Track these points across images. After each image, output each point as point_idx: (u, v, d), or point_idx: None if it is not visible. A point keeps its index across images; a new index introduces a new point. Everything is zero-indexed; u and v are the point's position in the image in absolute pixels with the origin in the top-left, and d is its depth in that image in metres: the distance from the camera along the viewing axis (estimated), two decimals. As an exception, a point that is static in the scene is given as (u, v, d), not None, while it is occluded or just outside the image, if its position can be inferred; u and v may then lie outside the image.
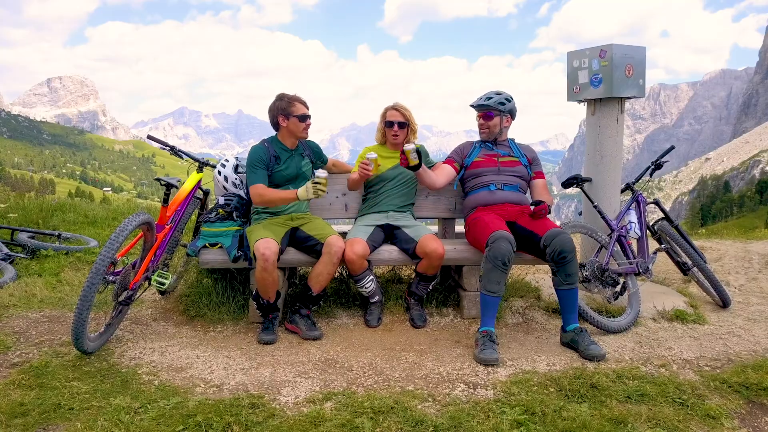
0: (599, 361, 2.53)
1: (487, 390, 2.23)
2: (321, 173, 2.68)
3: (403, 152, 2.81)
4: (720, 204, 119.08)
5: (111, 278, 2.52)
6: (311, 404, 2.09)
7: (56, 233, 4.99)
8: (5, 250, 4.40)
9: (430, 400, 2.14)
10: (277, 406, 2.08)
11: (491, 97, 3.13)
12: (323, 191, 2.70)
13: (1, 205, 5.56)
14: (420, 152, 2.87)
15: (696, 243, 5.14)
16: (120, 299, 2.63)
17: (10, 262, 4.27)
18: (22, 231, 4.86)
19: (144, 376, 2.33)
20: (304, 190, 2.73)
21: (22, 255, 4.43)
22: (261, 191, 2.83)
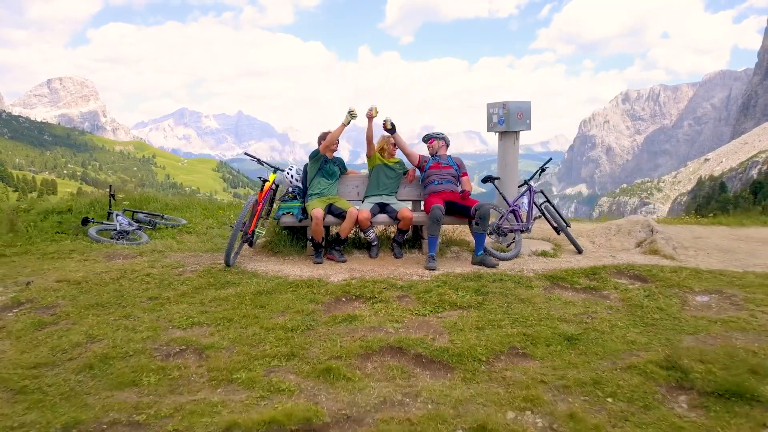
0: (491, 268, 4.94)
1: (427, 278, 4.65)
2: (351, 107, 5.08)
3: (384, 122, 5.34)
4: (716, 204, 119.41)
5: (241, 227, 4.93)
6: (344, 281, 4.51)
7: (160, 215, 7.40)
8: (135, 224, 6.81)
9: (400, 280, 4.55)
10: (329, 282, 4.49)
11: (438, 132, 5.56)
12: (355, 113, 5.06)
13: (120, 195, 7.96)
14: (393, 124, 5.31)
15: (603, 224, 7.53)
16: (243, 239, 5.04)
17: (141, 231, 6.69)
18: (140, 212, 7.27)
19: (261, 273, 4.75)
20: (345, 119, 5.12)
21: (148, 227, 6.85)
22: (324, 142, 5.27)
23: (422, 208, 5.67)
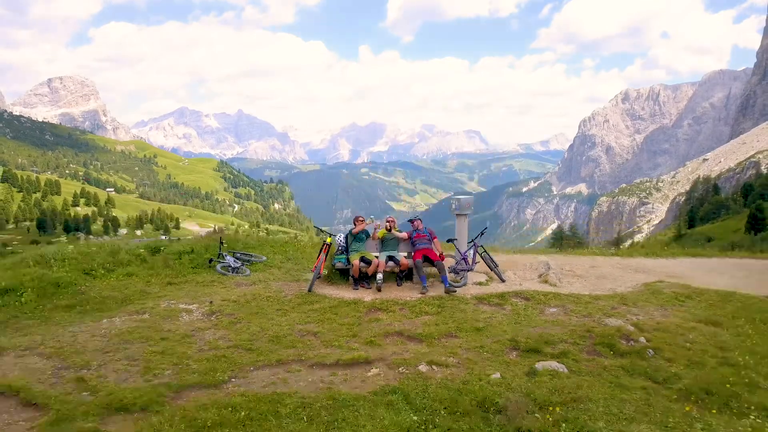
0: (451, 294, 9.21)
1: (417, 299, 8.93)
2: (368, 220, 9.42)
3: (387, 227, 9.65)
4: (708, 206, 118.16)
5: (315, 270, 9.20)
6: (372, 300, 8.79)
7: (250, 254, 11.64)
8: (239, 262, 11.03)
9: (401, 301, 8.84)
10: (364, 301, 8.77)
11: (417, 216, 9.86)
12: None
13: (223, 240, 12.16)
14: (397, 229, 9.65)
15: (524, 261, 11.80)
16: (315, 276, 9.31)
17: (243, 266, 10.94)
18: (237, 253, 11.51)
19: (328, 296, 9.04)
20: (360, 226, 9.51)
21: (246, 263, 11.11)
22: (354, 230, 9.61)
23: (410, 257, 9.95)
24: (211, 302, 8.63)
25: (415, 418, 5.20)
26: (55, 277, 9.27)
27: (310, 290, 9.07)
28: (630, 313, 8.35)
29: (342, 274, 9.88)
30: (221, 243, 11.41)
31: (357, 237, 9.75)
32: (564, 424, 5.12)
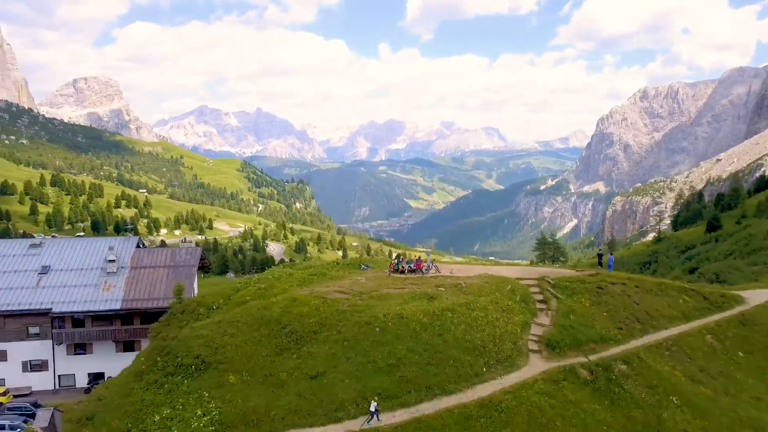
0: (424, 275, 25.52)
1: (416, 277, 25.10)
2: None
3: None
4: (686, 214, 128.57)
5: (390, 269, 25.55)
6: (405, 278, 24.74)
7: (368, 264, 27.96)
8: (365, 266, 27.33)
9: (412, 277, 25.58)
10: (402, 277, 24.71)
11: (427, 252, 26.28)
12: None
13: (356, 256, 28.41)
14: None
15: (453, 268, 28.38)
16: (390, 272, 25.60)
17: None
18: (363, 263, 27.85)
19: (393, 276, 25.59)
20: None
21: (369, 267, 27.53)
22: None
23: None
24: (365, 278, 24.87)
25: (413, 294, 21.76)
26: (321, 272, 27.70)
27: (388, 275, 24.98)
28: (467, 280, 24.41)
29: (396, 271, 26.02)
30: (359, 261, 27.79)
31: (400, 262, 25.80)
32: (436, 299, 21.99)
